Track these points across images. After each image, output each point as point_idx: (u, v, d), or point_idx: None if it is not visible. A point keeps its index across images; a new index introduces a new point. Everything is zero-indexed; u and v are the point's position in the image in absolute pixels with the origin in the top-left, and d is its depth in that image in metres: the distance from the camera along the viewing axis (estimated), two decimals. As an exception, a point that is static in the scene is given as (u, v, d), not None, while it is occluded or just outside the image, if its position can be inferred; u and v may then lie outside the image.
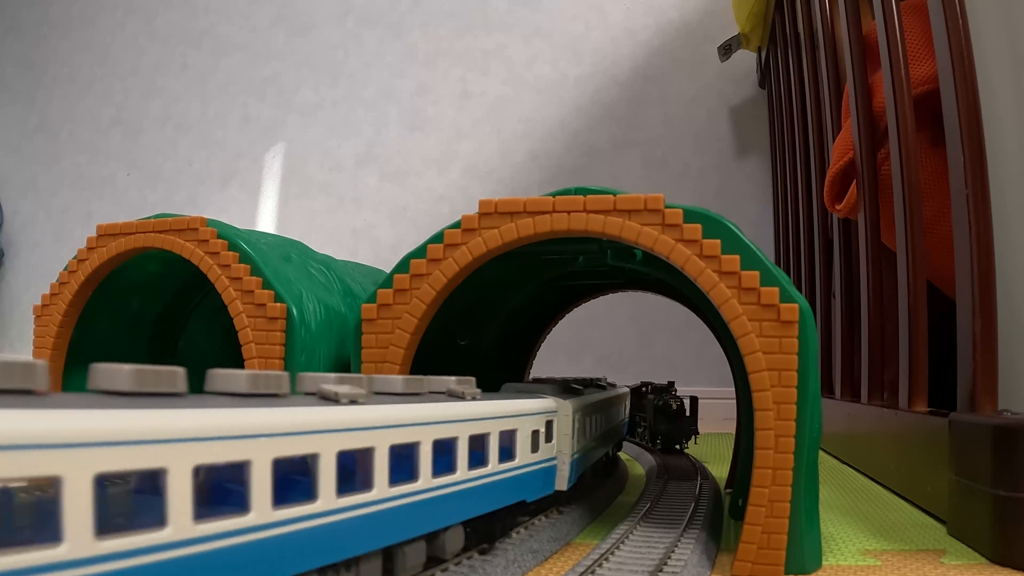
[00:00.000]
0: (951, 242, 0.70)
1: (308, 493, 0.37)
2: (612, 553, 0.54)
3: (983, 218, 0.66)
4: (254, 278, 0.67)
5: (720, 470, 0.93)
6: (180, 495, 0.30)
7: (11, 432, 0.24)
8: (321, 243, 1.05)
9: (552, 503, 0.69)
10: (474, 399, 0.53)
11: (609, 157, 2.02)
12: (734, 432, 0.83)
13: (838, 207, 1.08)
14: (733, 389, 0.76)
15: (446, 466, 0.49)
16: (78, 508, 0.26)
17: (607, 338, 1.94)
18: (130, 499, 0.29)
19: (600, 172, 2.00)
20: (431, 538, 0.48)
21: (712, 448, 1.24)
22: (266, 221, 2.30)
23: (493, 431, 0.55)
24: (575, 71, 2.07)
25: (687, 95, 1.99)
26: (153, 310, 0.87)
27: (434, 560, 0.50)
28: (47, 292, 0.77)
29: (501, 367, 0.97)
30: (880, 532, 0.69)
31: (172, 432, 0.30)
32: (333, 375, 0.44)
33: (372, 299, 0.62)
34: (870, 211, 0.98)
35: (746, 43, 1.78)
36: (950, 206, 0.71)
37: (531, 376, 1.02)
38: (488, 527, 0.55)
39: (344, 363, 0.70)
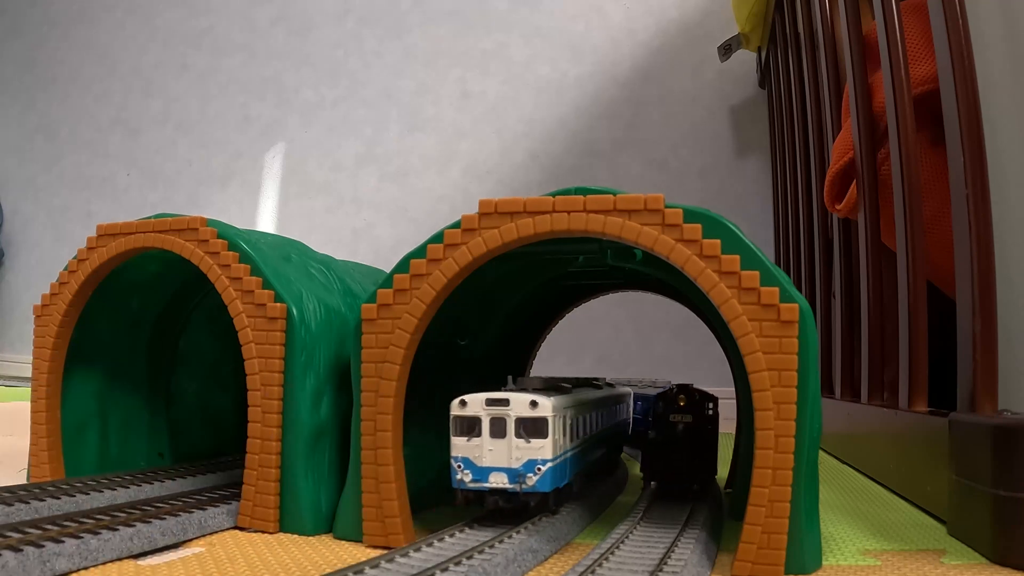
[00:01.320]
0: (951, 242, 0.70)
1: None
2: (612, 553, 0.54)
3: (983, 218, 0.66)
4: (254, 278, 0.67)
5: (720, 470, 0.93)
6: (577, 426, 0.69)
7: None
8: (321, 243, 1.05)
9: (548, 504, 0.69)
10: (619, 387, 0.99)
11: (609, 157, 2.02)
12: (734, 432, 0.83)
13: (838, 207, 1.08)
14: (733, 389, 0.76)
15: (613, 418, 0.89)
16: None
17: (607, 338, 1.94)
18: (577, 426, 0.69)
19: (600, 172, 2.00)
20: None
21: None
22: (266, 221, 2.30)
23: (624, 402, 0.99)
24: (575, 71, 2.07)
25: (687, 95, 1.99)
26: (153, 310, 0.87)
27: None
28: (47, 292, 0.77)
29: (501, 367, 0.97)
30: (880, 532, 0.69)
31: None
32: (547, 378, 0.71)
33: (372, 299, 0.62)
34: (870, 211, 0.98)
35: (746, 43, 1.78)
36: (950, 206, 0.71)
37: (529, 376, 1.02)
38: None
39: (344, 363, 0.70)
